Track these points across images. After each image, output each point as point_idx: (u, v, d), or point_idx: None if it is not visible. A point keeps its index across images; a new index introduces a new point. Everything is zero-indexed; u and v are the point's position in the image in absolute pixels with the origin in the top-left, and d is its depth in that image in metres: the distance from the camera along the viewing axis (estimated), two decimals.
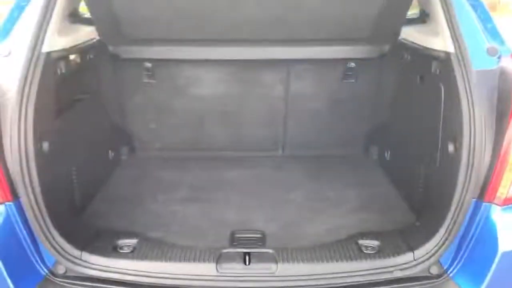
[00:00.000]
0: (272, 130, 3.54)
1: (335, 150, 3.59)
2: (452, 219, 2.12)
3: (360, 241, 2.31)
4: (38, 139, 2.12)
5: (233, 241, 2.40)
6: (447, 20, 2.27)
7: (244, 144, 3.56)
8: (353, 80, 3.33)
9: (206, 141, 3.55)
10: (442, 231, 2.15)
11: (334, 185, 3.10)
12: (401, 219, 2.65)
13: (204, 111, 3.44)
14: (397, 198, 2.93)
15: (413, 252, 2.19)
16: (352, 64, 3.25)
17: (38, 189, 2.06)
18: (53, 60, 2.29)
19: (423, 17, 2.91)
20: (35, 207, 2.06)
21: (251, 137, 3.55)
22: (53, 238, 2.10)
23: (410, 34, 2.85)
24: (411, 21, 2.93)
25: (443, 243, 2.14)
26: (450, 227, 2.13)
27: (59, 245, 2.11)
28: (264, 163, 3.46)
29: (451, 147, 2.22)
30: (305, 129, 3.53)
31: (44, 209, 2.08)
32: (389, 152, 3.27)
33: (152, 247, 2.27)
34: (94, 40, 2.86)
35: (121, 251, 2.25)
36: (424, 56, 2.59)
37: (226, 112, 3.44)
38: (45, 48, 2.19)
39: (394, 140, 3.17)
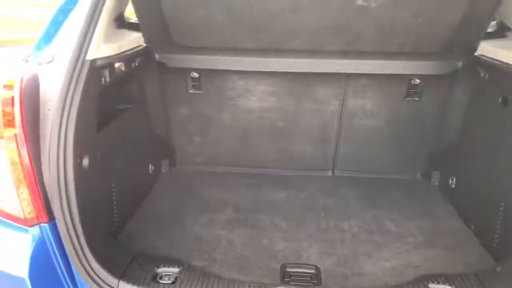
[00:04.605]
0: (323, 149, 3.27)
1: (391, 173, 3.30)
2: None
3: (431, 285, 2.02)
4: (78, 154, 1.94)
5: (285, 276, 2.15)
6: None
7: (292, 162, 3.31)
8: (417, 98, 3.02)
9: (252, 158, 3.31)
10: None
11: (392, 214, 2.80)
12: (475, 260, 2.33)
13: (251, 125, 3.21)
14: (467, 234, 2.60)
15: None
16: (417, 81, 2.95)
17: (75, 210, 1.87)
18: (97, 68, 2.12)
19: (503, 31, 2.60)
20: (71, 230, 1.87)
21: (300, 155, 3.29)
22: (89, 265, 1.91)
23: (488, 49, 2.53)
24: (487, 35, 2.62)
25: None
26: None
27: (95, 272, 1.91)
28: (313, 184, 3.19)
29: None
30: (359, 149, 3.25)
31: (81, 232, 1.89)
32: (454, 180, 2.94)
33: (195, 278, 2.04)
34: (141, 47, 2.68)
35: (161, 281, 2.03)
36: (509, 75, 2.27)
37: (275, 128, 3.20)
38: (90, 55, 2.02)
39: (463, 167, 2.84)
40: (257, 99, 3.12)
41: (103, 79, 2.23)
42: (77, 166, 1.92)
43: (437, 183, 3.19)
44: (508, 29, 2.55)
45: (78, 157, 1.93)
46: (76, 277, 1.93)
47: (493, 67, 2.44)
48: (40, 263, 1.87)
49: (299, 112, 3.16)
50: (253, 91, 3.11)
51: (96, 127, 2.19)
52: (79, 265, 1.88)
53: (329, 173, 3.34)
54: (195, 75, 3.04)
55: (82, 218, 1.89)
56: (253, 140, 3.25)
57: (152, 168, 3.13)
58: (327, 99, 3.10)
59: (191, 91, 3.10)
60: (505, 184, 2.27)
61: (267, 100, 3.13)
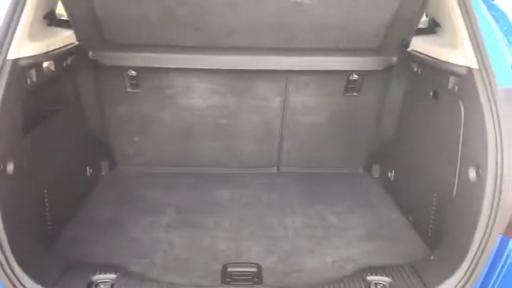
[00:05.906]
0: (267, 145, 3.27)
1: (334, 167, 3.36)
2: (474, 257, 1.88)
3: (369, 278, 2.06)
4: (1, 159, 1.82)
5: (225, 276, 2.12)
6: (469, 32, 2.04)
7: (236, 160, 3.29)
8: (356, 94, 3.08)
9: (194, 157, 3.26)
10: (462, 269, 1.91)
11: (335, 209, 2.84)
12: (412, 250, 2.41)
13: (193, 124, 3.16)
14: (404, 225, 2.69)
15: None
16: (355, 76, 3.00)
17: None
18: (21, 68, 2.01)
19: (433, 27, 2.69)
20: None
21: (244, 153, 3.28)
22: (15, 276, 1.80)
23: (420, 45, 2.61)
24: (419, 31, 2.70)
25: (465, 283, 1.89)
26: (472, 265, 1.89)
27: (21, 283, 1.81)
28: (258, 181, 3.19)
29: (472, 174, 1.99)
30: (302, 145, 3.28)
31: (5, 242, 1.78)
32: (393, 172, 3.03)
33: (132, 284, 1.98)
34: (72, 45, 2.57)
35: None
36: (438, 70, 2.35)
37: (217, 126, 3.17)
38: (12, 55, 1.92)
39: (401, 159, 2.93)
40: (198, 97, 3.08)
41: (28, 79, 2.12)
42: (0, 172, 1.81)
43: (377, 176, 3.28)
44: (438, 25, 2.64)
45: (0, 163, 1.82)
46: None
47: (424, 62, 2.53)
48: None
49: (242, 110, 3.14)
50: (194, 89, 3.05)
51: (22, 130, 2.07)
52: (4, 276, 1.77)
53: (274, 170, 3.35)
54: (133, 73, 2.94)
55: (7, 227, 1.78)
56: (195, 139, 3.21)
57: (90, 171, 3.01)
58: (269, 96, 3.10)
59: (129, 89, 3.01)
60: (436, 175, 2.35)
61: (209, 98, 3.08)
